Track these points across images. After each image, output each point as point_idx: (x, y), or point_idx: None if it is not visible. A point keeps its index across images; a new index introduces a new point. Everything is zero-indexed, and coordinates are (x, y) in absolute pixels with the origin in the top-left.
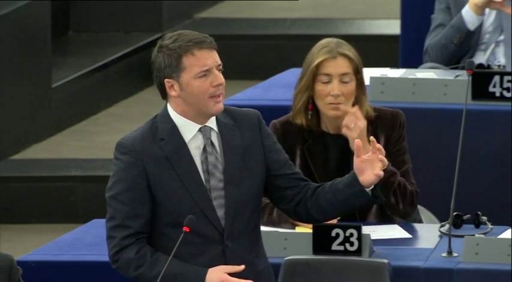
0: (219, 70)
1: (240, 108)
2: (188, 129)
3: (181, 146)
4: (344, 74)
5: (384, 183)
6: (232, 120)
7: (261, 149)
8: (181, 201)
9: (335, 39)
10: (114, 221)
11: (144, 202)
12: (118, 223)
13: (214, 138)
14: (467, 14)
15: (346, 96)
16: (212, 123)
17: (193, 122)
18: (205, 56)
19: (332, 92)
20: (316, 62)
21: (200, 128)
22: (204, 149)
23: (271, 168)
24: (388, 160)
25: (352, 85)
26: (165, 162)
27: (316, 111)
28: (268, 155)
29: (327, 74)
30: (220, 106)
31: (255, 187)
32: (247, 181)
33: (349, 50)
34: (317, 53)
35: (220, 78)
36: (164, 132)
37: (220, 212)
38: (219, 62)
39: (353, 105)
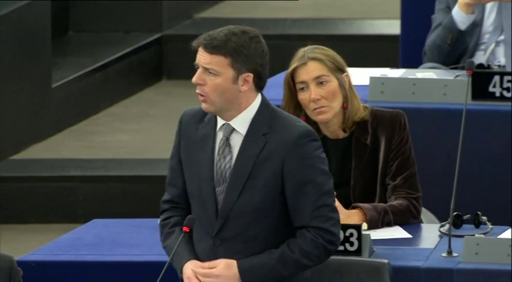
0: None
1: (291, 121)
2: (218, 122)
3: (210, 135)
4: (318, 77)
5: (381, 224)
6: (268, 129)
7: (280, 165)
8: (190, 186)
9: (310, 46)
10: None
11: (178, 173)
12: (166, 185)
13: (236, 139)
14: (457, 14)
15: (327, 97)
16: (242, 124)
17: (219, 117)
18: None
19: (311, 97)
20: (289, 73)
21: (223, 124)
22: (222, 145)
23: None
24: (392, 164)
25: (331, 85)
26: (193, 145)
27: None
28: (285, 175)
29: (303, 82)
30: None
31: (258, 199)
32: (251, 191)
33: (320, 52)
34: (291, 64)
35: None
36: (208, 117)
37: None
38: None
39: (343, 104)
